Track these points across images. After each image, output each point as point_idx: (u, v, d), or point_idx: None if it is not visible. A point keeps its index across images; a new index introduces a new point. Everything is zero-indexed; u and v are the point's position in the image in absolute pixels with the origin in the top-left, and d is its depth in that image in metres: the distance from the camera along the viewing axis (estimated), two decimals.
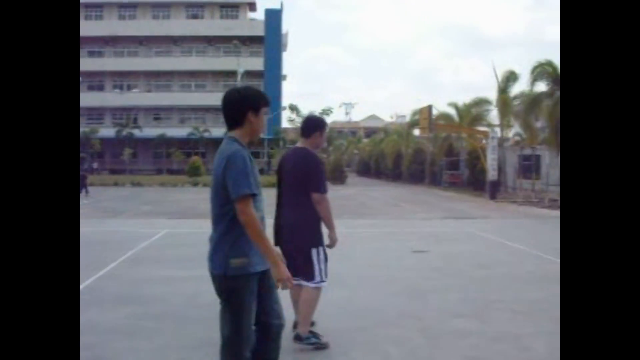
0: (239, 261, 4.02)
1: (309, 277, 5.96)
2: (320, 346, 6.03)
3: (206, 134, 68.11)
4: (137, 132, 70.36)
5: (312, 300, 6.01)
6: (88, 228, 16.49)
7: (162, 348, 5.92)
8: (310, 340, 6.04)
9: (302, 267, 5.93)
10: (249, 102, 4.23)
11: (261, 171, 65.72)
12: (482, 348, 6.13)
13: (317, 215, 6.17)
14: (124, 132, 70.68)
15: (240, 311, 4.12)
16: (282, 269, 4.03)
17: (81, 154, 67.53)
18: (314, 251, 6.02)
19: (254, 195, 4.02)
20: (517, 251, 13.02)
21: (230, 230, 4.06)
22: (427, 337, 6.50)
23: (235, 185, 3.98)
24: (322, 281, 6.02)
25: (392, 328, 6.85)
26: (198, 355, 5.71)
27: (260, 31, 74.48)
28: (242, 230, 3.98)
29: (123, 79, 76.06)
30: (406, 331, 6.72)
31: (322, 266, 6.03)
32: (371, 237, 15.73)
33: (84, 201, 28.52)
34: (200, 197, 27.08)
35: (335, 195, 35.10)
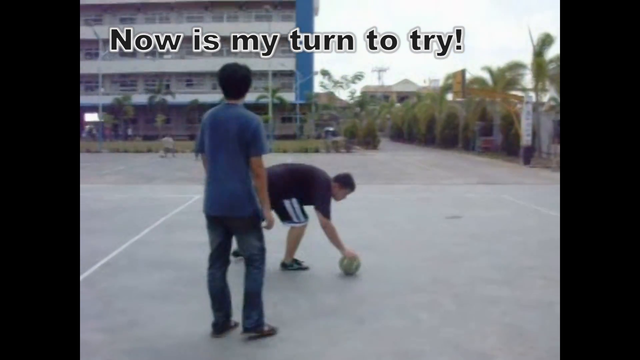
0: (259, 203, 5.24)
1: (289, 220, 7.79)
2: (302, 268, 7.94)
3: None
4: (169, 99, 70.62)
5: (294, 236, 7.87)
6: (122, 195, 16.69)
7: (196, 312, 5.98)
8: (293, 266, 7.94)
9: (282, 214, 7.72)
10: (250, 80, 5.36)
11: (294, 136, 66.07)
12: (513, 315, 6.11)
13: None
14: (157, 99, 70.97)
15: (262, 235, 5.41)
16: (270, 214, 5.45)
17: (115, 120, 68.12)
18: (286, 202, 7.71)
19: None
20: (549, 217, 12.90)
21: (250, 181, 5.20)
22: (458, 303, 6.50)
23: (262, 145, 5.16)
24: (299, 222, 7.83)
25: (423, 293, 6.86)
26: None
27: None
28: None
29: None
30: (437, 297, 6.73)
31: (297, 212, 7.79)
32: (404, 202, 15.72)
33: (119, 167, 28.83)
34: None
35: (368, 160, 35.10)
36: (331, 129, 65.43)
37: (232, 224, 5.29)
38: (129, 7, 73.51)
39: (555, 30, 48.61)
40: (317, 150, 44.05)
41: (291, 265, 7.94)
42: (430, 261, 8.53)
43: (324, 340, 5.38)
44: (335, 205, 7.98)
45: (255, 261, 5.36)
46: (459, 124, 49.43)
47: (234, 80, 5.22)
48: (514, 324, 5.86)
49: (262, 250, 5.39)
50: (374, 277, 7.52)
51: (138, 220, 11.86)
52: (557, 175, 24.91)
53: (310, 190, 7.77)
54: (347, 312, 6.15)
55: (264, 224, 5.39)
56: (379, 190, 18.44)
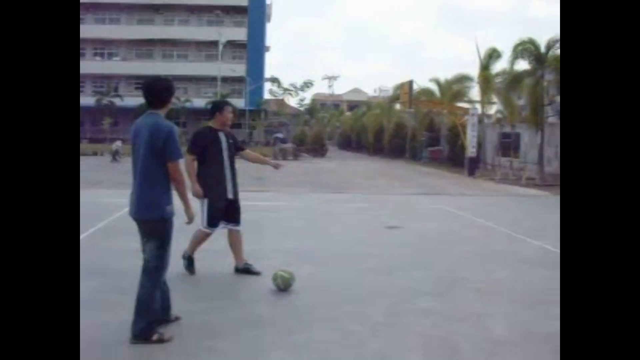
0: (170, 207, 5.44)
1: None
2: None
3: (187, 104, 67.55)
4: (117, 101, 69.68)
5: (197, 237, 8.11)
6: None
7: (126, 321, 5.88)
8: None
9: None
10: (173, 91, 5.66)
11: (242, 142, 65.86)
12: (442, 327, 6.16)
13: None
14: (104, 101, 69.96)
15: (167, 246, 5.53)
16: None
17: None
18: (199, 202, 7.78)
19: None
20: (489, 229, 13.10)
21: (163, 186, 5.43)
22: (389, 315, 6.53)
23: (174, 151, 5.38)
24: (205, 226, 7.94)
25: (356, 305, 6.87)
26: (167, 328, 5.71)
27: (243, 1, 73.65)
28: (169, 184, 5.47)
29: (104, 47, 75.16)
30: (369, 308, 6.75)
31: (204, 215, 7.83)
32: (346, 212, 15.77)
33: None
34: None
35: (315, 168, 35.15)
36: (280, 135, 65.41)
37: (139, 227, 5.57)
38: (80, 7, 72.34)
39: (501, 45, 49.33)
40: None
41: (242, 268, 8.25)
42: (365, 272, 8.55)
43: (249, 350, 5.35)
44: (275, 215, 7.99)
45: (147, 268, 5.49)
46: (406, 134, 49.90)
47: (153, 91, 5.57)
48: (441, 336, 5.91)
49: (159, 260, 5.49)
50: (308, 288, 7.50)
51: None
52: (500, 187, 25.32)
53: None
54: (276, 323, 6.13)
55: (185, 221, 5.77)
56: (322, 200, 18.47)
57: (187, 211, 5.66)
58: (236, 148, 8.16)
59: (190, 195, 5.97)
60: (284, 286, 7.27)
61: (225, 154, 7.93)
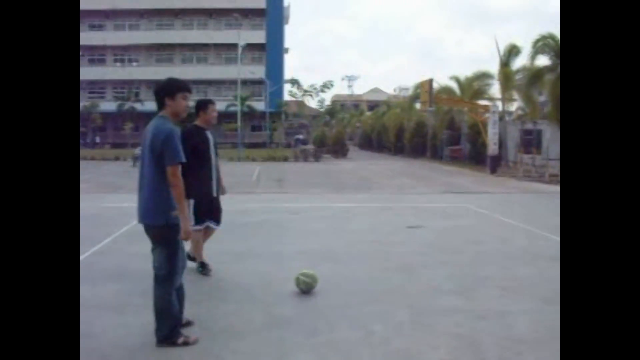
0: (175, 213, 5.22)
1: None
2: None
3: None
4: (138, 106, 70.17)
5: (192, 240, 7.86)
6: (86, 203, 16.54)
7: (149, 323, 5.94)
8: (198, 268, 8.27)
9: None
10: (163, 90, 5.44)
11: (264, 144, 65.94)
12: (465, 326, 6.16)
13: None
14: (126, 106, 70.51)
15: (175, 253, 5.40)
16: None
17: (82, 128, 67.56)
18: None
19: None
20: (511, 227, 13.04)
21: (164, 191, 5.24)
22: (412, 314, 6.54)
23: (173, 155, 5.18)
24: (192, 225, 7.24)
25: (379, 304, 6.89)
26: (184, 331, 5.76)
27: (261, 4, 73.93)
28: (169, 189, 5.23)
29: (124, 53, 75.74)
30: (392, 307, 6.76)
31: (190, 215, 7.15)
32: (368, 212, 15.76)
33: (85, 175, 28.57)
34: None
35: (336, 169, 35.17)
36: (301, 137, 65.51)
37: (146, 233, 5.49)
38: (98, 14, 72.93)
39: (521, 41, 49.07)
40: (285, 159, 44.08)
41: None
42: (387, 272, 8.56)
43: (274, 352, 5.39)
44: (296, 216, 8.00)
45: (157, 277, 5.45)
46: (427, 133, 49.75)
47: (155, 93, 5.54)
48: (465, 334, 5.91)
49: (168, 268, 5.40)
50: (330, 288, 7.52)
51: (99, 230, 11.75)
52: (522, 184, 25.18)
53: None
54: (300, 324, 6.16)
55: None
56: (344, 200, 18.49)
57: (183, 222, 5.28)
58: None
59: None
60: (306, 289, 7.28)
61: (212, 153, 8.15)
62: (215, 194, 8.18)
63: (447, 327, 6.13)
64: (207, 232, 8.38)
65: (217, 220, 8.37)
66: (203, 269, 8.24)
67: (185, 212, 5.29)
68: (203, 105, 8.20)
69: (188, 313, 6.02)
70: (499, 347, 5.56)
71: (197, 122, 8.15)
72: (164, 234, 5.34)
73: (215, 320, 6.22)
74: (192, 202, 7.62)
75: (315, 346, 5.54)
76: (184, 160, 5.26)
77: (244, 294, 7.32)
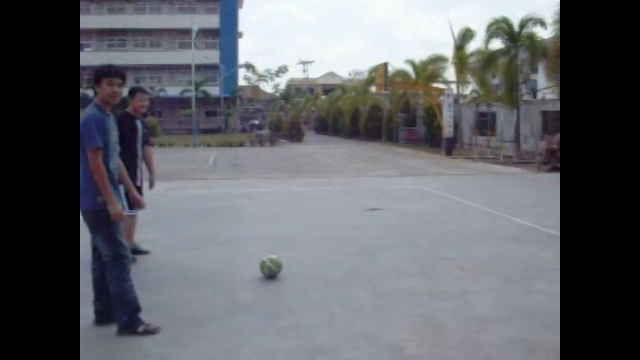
0: (101, 197, 5.17)
1: None
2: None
3: (162, 94, 67.09)
4: (90, 93, 68.97)
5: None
6: None
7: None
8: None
9: None
10: (93, 77, 5.47)
11: (219, 130, 65.51)
12: (427, 306, 6.21)
13: None
14: None
15: (113, 237, 5.30)
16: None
17: None
18: None
19: (103, 148, 5.21)
20: (469, 208, 13.17)
21: (90, 175, 5.15)
22: (374, 296, 6.56)
23: (89, 140, 5.11)
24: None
25: (340, 288, 6.90)
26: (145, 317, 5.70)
27: None
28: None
29: None
30: (354, 290, 6.77)
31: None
32: (326, 195, 15.78)
33: None
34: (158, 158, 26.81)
35: (293, 153, 35.11)
36: (256, 122, 65.32)
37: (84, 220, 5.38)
38: None
39: (475, 25, 49.33)
40: (242, 144, 43.84)
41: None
42: (348, 255, 8.57)
43: (238, 337, 5.36)
44: (254, 201, 7.95)
45: (107, 264, 5.39)
46: (382, 116, 49.93)
47: None
48: (427, 315, 5.95)
49: (112, 252, 5.33)
50: (292, 272, 7.49)
51: None
52: (478, 166, 25.47)
53: None
54: (262, 309, 6.14)
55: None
56: (301, 184, 18.47)
57: (111, 206, 5.19)
58: (145, 140, 8.35)
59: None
60: (269, 274, 7.25)
61: (139, 142, 8.12)
62: (139, 183, 7.96)
63: (409, 308, 6.17)
64: (131, 222, 8.13)
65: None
66: (135, 253, 7.92)
67: (109, 196, 5.18)
68: (131, 93, 8.22)
69: (149, 301, 5.96)
70: (461, 326, 5.61)
71: (128, 110, 8.13)
72: (92, 219, 5.28)
73: (177, 308, 6.16)
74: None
75: (279, 330, 5.53)
76: (99, 145, 5.14)
77: (205, 280, 7.26)
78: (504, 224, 11.04)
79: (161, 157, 25.65)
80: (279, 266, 7.28)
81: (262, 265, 7.26)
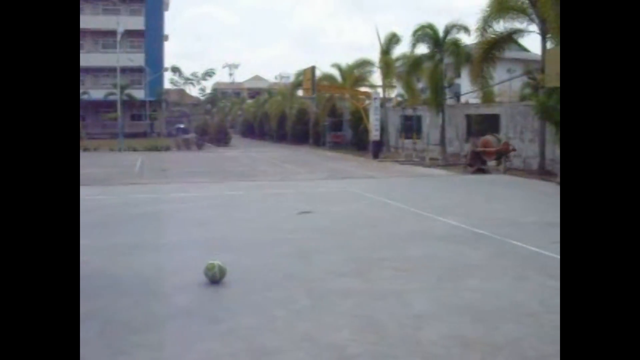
0: None
1: None
2: None
3: (85, 96, 65.59)
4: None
5: None
6: None
7: None
8: None
9: None
10: None
11: (144, 134, 64.54)
12: (365, 306, 6.31)
13: None
14: None
15: None
16: None
17: None
18: None
19: None
20: (398, 210, 13.38)
21: None
22: (313, 298, 6.63)
23: None
24: None
25: (279, 290, 6.94)
26: None
27: None
28: None
29: None
30: (293, 293, 6.83)
31: None
32: (256, 199, 15.77)
33: None
34: (83, 163, 26.28)
35: (220, 157, 34.91)
36: (182, 126, 64.69)
37: None
38: None
39: (400, 30, 50.03)
40: (168, 148, 43.34)
41: None
42: (284, 258, 8.62)
43: (179, 343, 5.34)
44: (185, 205, 7.92)
45: None
46: (309, 120, 50.12)
47: None
48: (365, 314, 6.05)
49: None
50: (230, 276, 7.44)
51: None
52: (405, 168, 25.86)
53: None
54: (202, 313, 6.13)
55: None
56: (231, 188, 18.41)
57: None
58: None
59: None
60: (212, 279, 7.18)
61: None
62: None
63: (348, 308, 6.26)
64: None
65: None
66: None
67: None
68: None
69: (85, 308, 5.87)
70: (399, 324, 5.74)
71: None
72: None
73: (114, 314, 6.09)
74: None
75: (220, 334, 5.53)
76: None
77: (141, 286, 7.19)
78: (434, 225, 11.27)
79: (87, 162, 25.21)
80: (223, 273, 7.26)
81: (211, 267, 7.20)
